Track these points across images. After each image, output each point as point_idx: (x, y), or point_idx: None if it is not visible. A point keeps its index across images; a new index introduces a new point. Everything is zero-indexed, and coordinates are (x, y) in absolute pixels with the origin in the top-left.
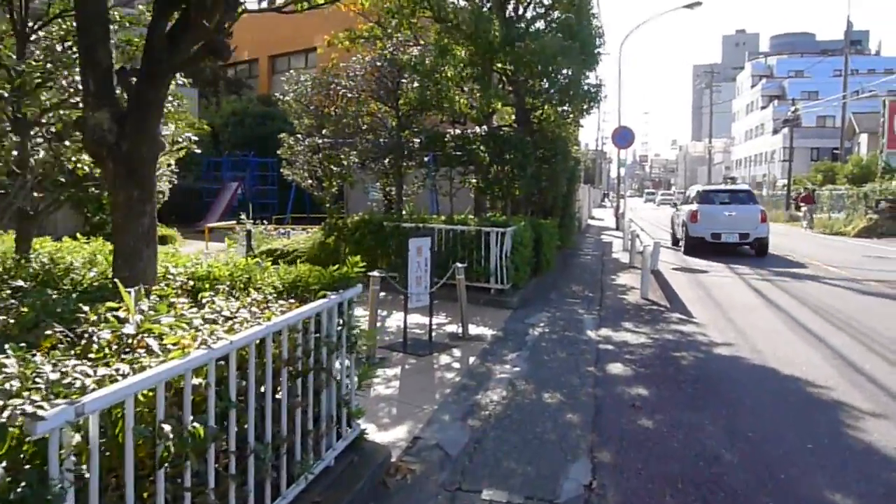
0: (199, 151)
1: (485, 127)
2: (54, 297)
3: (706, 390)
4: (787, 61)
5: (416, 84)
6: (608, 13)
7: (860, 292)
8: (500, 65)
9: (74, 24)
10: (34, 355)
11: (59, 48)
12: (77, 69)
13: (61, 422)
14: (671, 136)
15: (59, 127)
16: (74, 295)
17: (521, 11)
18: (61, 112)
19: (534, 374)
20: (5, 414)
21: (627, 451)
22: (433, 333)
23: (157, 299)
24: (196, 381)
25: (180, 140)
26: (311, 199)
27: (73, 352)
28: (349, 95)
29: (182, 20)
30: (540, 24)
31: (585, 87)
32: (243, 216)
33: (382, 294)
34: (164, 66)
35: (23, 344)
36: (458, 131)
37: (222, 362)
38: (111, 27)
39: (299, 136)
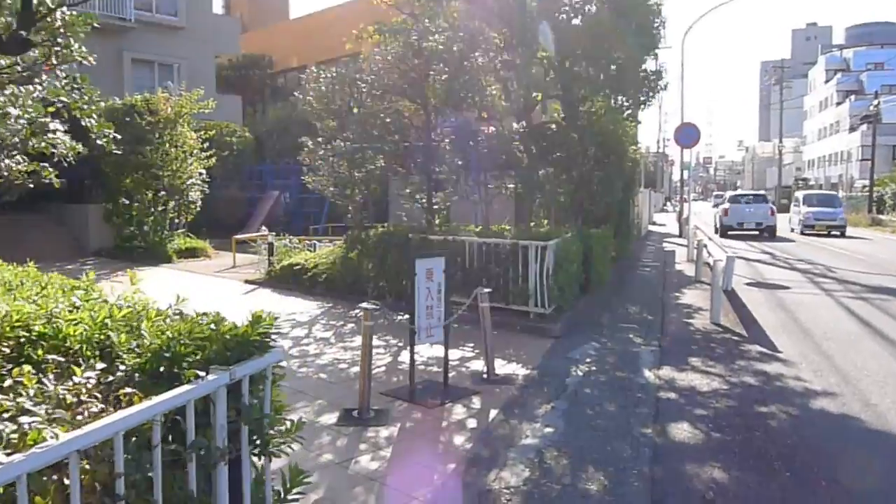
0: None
1: (523, 123)
2: None
3: (810, 474)
4: (865, 53)
5: (443, 77)
6: (669, 3)
7: None
8: (541, 52)
9: None
10: None
11: None
12: None
13: None
14: (737, 136)
15: None
16: None
17: None
18: None
19: (570, 441)
20: None
21: None
22: (452, 373)
23: None
24: None
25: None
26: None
27: None
28: (374, 92)
29: None
30: None
31: (643, 74)
32: (264, 228)
33: (406, 316)
34: None
35: None
36: (492, 129)
37: None
38: None
39: (320, 139)
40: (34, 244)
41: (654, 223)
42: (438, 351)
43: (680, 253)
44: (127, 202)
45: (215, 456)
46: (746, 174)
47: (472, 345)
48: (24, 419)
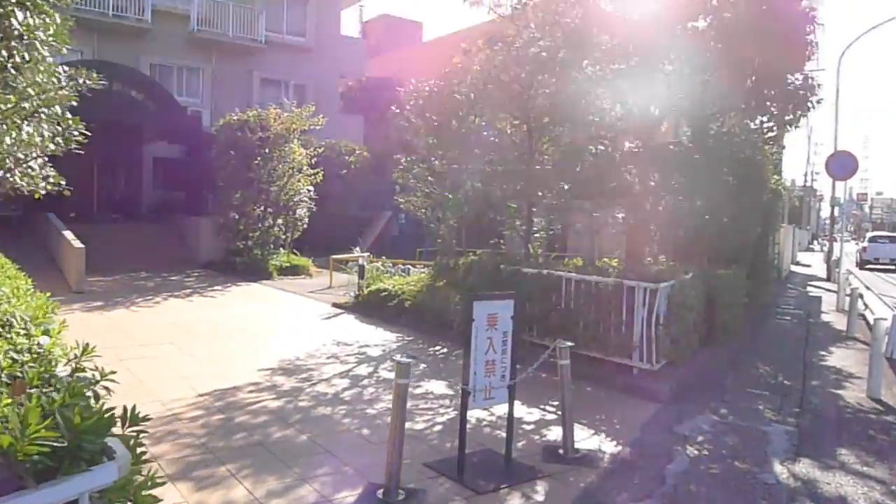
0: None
1: (638, 143)
2: None
3: None
4: None
5: (548, 89)
6: (826, 20)
7: None
8: (665, 62)
9: None
10: None
11: None
12: None
13: None
14: None
15: None
16: None
17: None
18: None
19: None
20: None
21: None
22: (522, 441)
23: None
24: None
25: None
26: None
27: None
28: (473, 107)
29: None
30: None
31: (789, 87)
32: (357, 249)
33: None
34: None
35: None
36: (601, 149)
37: None
38: None
39: (414, 157)
40: (152, 253)
41: (797, 263)
42: (505, 410)
43: (828, 300)
44: (236, 217)
45: None
46: None
47: (556, 403)
48: None
